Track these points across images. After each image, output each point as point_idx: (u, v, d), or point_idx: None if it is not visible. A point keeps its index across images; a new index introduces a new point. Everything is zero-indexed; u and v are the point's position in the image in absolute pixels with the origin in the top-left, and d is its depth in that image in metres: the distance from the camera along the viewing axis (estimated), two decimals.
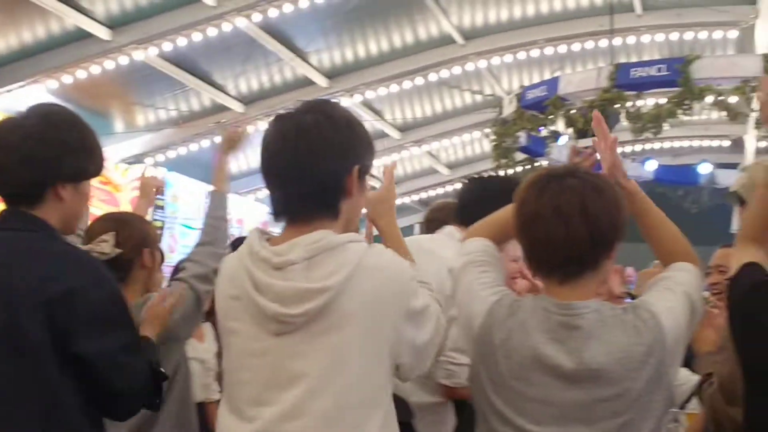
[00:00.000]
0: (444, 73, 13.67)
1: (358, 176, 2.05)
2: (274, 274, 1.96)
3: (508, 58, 13.71)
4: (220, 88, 12.57)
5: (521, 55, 13.58)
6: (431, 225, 3.70)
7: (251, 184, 14.32)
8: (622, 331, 2.00)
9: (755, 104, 10.64)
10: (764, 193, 2.13)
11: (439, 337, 2.10)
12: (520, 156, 12.68)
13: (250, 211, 14.84)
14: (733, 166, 14.31)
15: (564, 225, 2.00)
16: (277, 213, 2.07)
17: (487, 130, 13.38)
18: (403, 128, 15.91)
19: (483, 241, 2.33)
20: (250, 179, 13.89)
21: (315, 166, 1.99)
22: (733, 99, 10.58)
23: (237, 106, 13.06)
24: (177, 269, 3.52)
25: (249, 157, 13.27)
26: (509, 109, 12.28)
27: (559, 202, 2.02)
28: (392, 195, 2.35)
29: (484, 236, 2.35)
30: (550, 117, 11.63)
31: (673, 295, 2.12)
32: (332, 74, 13.09)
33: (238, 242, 2.38)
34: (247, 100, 13.16)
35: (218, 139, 3.70)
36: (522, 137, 12.27)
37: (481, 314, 2.13)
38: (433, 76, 13.72)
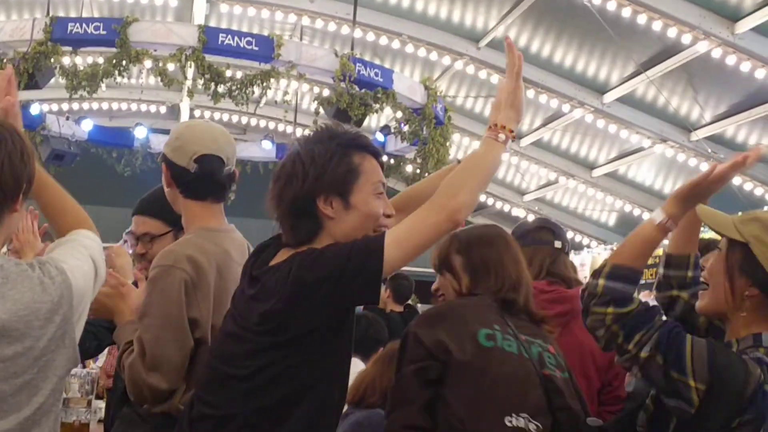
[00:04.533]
0: None
1: None
2: None
3: None
4: None
5: None
6: None
7: None
8: (28, 287, 1.89)
9: (190, 72, 11.02)
10: None
11: None
12: None
13: None
14: (168, 132, 14.67)
15: None
16: None
17: None
18: None
19: None
20: None
21: None
22: (170, 66, 10.81)
23: None
24: None
25: None
26: None
27: None
28: None
29: None
30: None
31: (81, 255, 2.08)
32: None
33: None
34: None
35: None
36: None
37: None
38: None
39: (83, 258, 2.08)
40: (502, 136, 2.29)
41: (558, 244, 3.27)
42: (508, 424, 2.39)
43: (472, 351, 2.45)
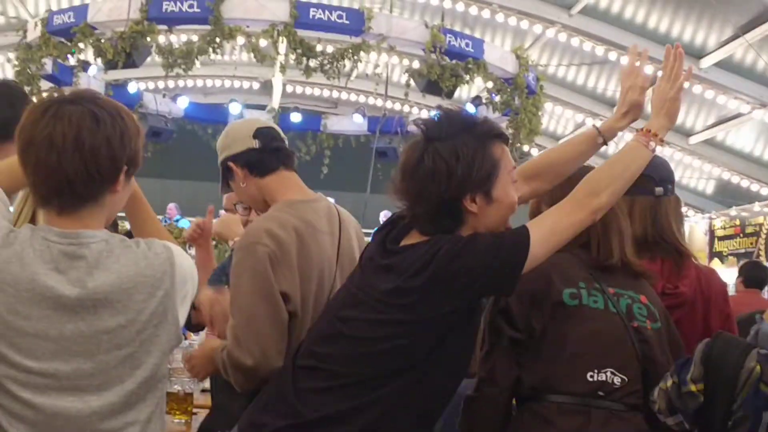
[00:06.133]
0: None
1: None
2: None
3: None
4: None
5: None
6: None
7: None
8: (132, 260, 1.93)
9: (282, 48, 11.13)
10: None
11: None
12: (46, 84, 11.96)
13: None
14: (262, 107, 14.89)
15: (56, 155, 1.89)
16: None
17: (11, 55, 12.45)
18: None
19: None
20: None
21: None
22: (262, 42, 10.92)
23: None
24: None
25: None
26: (34, 33, 11.51)
27: (52, 130, 1.90)
28: None
29: None
30: (78, 45, 11.12)
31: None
32: None
33: None
34: None
35: None
36: (48, 64, 11.60)
37: None
38: None
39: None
40: (653, 144, 2.38)
41: (659, 190, 2.95)
42: (590, 379, 2.40)
43: (553, 314, 2.46)
